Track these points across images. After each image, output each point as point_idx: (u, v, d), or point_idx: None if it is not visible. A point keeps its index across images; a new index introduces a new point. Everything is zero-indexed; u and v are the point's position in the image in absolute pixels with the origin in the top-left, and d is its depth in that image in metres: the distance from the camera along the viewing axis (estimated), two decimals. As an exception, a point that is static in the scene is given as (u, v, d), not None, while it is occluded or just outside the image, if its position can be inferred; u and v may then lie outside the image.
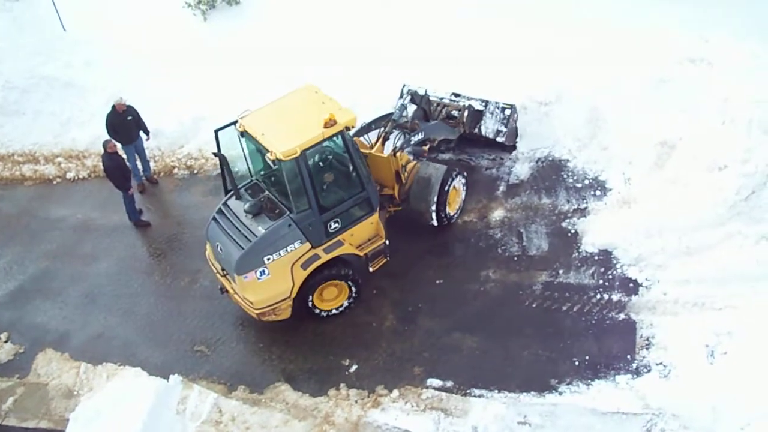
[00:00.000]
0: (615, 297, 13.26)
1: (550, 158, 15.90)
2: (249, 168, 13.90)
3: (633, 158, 15.00)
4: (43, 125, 19.50)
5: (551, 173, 15.62)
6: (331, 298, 13.80)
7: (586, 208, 14.81)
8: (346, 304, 13.85)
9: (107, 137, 16.20)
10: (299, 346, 13.50)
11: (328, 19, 19.98)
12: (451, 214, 14.80)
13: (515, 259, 14.23)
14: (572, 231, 14.47)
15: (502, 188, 15.60)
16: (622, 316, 12.99)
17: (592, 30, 17.42)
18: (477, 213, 15.13)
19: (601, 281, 13.55)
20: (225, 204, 13.39)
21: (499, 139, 15.78)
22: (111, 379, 13.61)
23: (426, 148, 14.79)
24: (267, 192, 13.30)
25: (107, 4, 22.58)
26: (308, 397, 12.89)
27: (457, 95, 16.02)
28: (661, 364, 12.20)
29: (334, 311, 13.81)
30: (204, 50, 20.17)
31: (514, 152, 16.14)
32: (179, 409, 13.00)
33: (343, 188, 13.27)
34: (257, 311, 13.05)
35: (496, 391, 12.37)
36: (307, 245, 12.96)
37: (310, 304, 13.51)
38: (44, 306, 15.26)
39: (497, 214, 15.07)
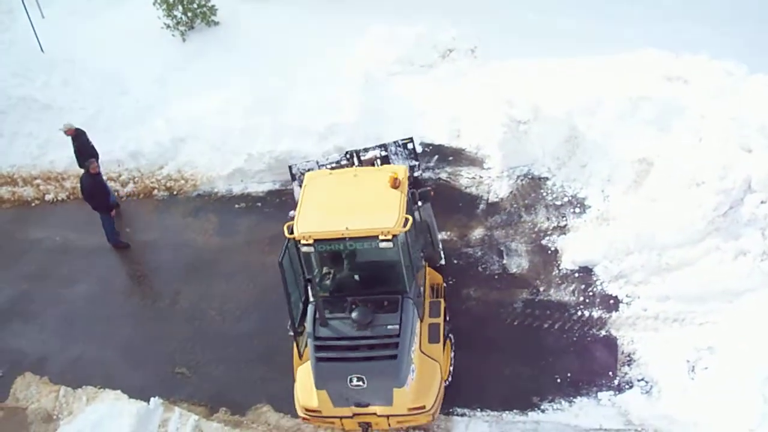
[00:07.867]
0: (596, 314, 13.31)
1: (530, 176, 15.94)
2: (301, 290, 12.00)
3: (612, 176, 15.09)
4: (22, 147, 19.36)
5: (531, 191, 15.67)
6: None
7: (565, 225, 14.86)
8: (452, 354, 12.75)
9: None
10: (281, 367, 13.38)
11: (306, 35, 20.05)
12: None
13: (496, 277, 14.25)
14: (552, 248, 14.51)
15: (481, 206, 15.62)
16: (603, 332, 13.03)
17: (569, 49, 17.54)
18: (457, 231, 15.13)
19: (581, 298, 13.59)
20: (316, 338, 11.26)
21: (416, 173, 15.06)
22: (91, 403, 13.52)
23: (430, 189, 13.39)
24: (349, 298, 11.51)
25: (86, 25, 22.50)
26: (290, 419, 12.81)
27: (350, 154, 14.83)
28: (642, 380, 12.25)
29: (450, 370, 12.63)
30: (183, 70, 20.13)
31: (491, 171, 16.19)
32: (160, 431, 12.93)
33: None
34: (433, 411, 11.47)
35: (479, 409, 12.36)
36: (418, 321, 11.72)
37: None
38: (22, 329, 15.10)
39: (477, 232, 15.08)
